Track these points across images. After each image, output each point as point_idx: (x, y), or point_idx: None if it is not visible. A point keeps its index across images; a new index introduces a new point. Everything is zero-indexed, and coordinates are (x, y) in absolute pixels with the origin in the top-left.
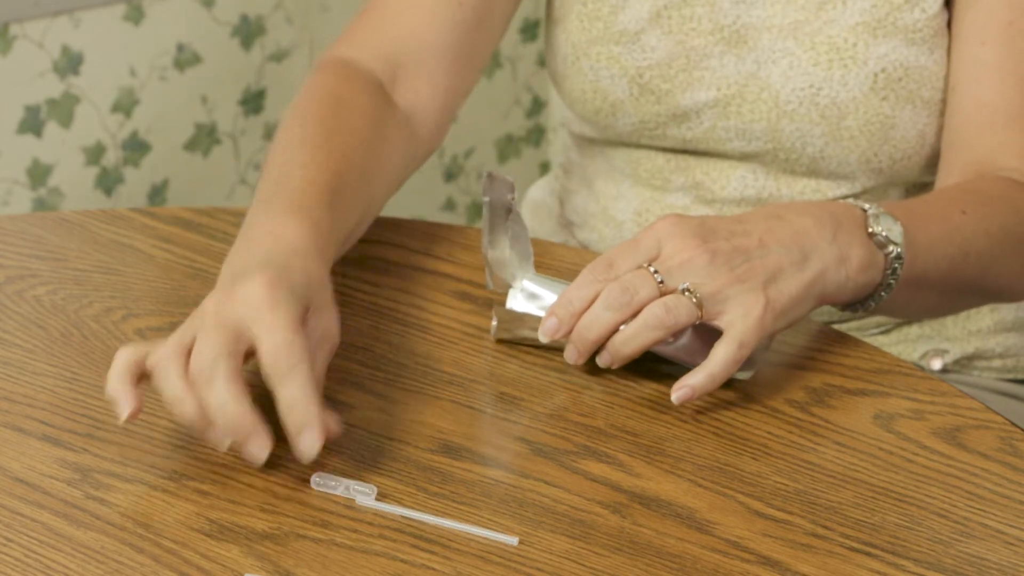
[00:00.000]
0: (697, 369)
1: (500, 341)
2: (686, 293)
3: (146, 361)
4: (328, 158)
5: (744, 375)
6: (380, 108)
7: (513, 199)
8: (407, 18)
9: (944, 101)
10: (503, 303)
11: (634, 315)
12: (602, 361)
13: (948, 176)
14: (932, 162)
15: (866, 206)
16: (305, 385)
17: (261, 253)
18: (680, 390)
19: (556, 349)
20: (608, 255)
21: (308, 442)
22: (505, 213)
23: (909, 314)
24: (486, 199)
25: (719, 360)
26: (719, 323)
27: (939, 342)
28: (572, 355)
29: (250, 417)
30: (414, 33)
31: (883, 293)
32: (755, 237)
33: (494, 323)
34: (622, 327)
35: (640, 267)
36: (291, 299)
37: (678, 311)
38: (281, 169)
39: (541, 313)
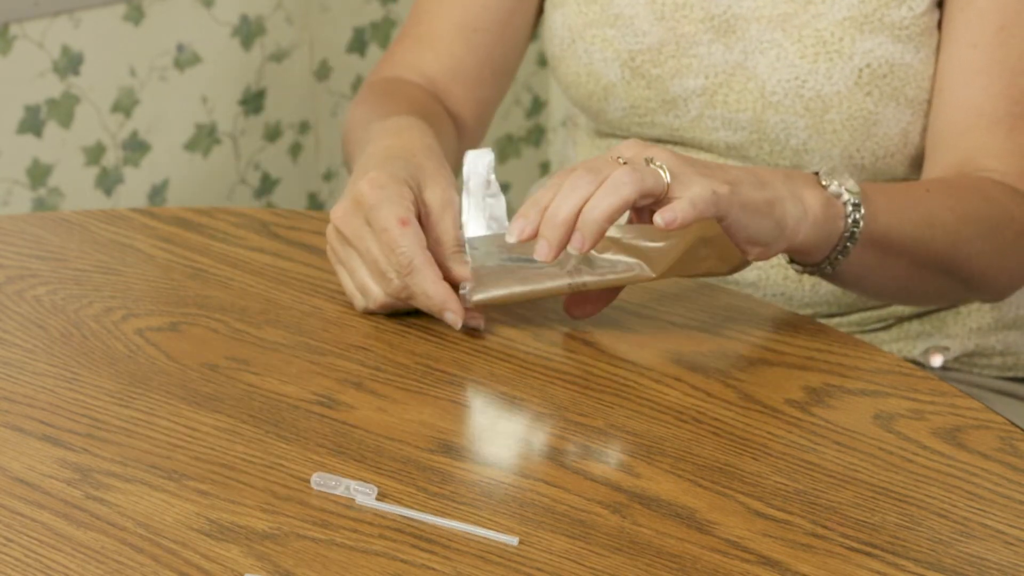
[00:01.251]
0: (679, 199)
1: (478, 300)
2: (653, 164)
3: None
4: (414, 113)
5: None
6: (433, 99)
7: (491, 168)
8: (434, 40)
9: (929, 101)
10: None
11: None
12: (574, 243)
13: (931, 176)
14: (915, 161)
15: (817, 169)
16: (423, 278)
17: (368, 156)
18: (665, 212)
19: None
20: (573, 165)
21: (450, 319)
22: (485, 186)
23: (883, 286)
24: (467, 182)
25: (696, 191)
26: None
27: (940, 339)
28: (543, 249)
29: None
30: (441, 53)
31: (848, 244)
32: (712, 162)
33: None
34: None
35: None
36: (397, 190)
37: (645, 173)
38: (373, 124)
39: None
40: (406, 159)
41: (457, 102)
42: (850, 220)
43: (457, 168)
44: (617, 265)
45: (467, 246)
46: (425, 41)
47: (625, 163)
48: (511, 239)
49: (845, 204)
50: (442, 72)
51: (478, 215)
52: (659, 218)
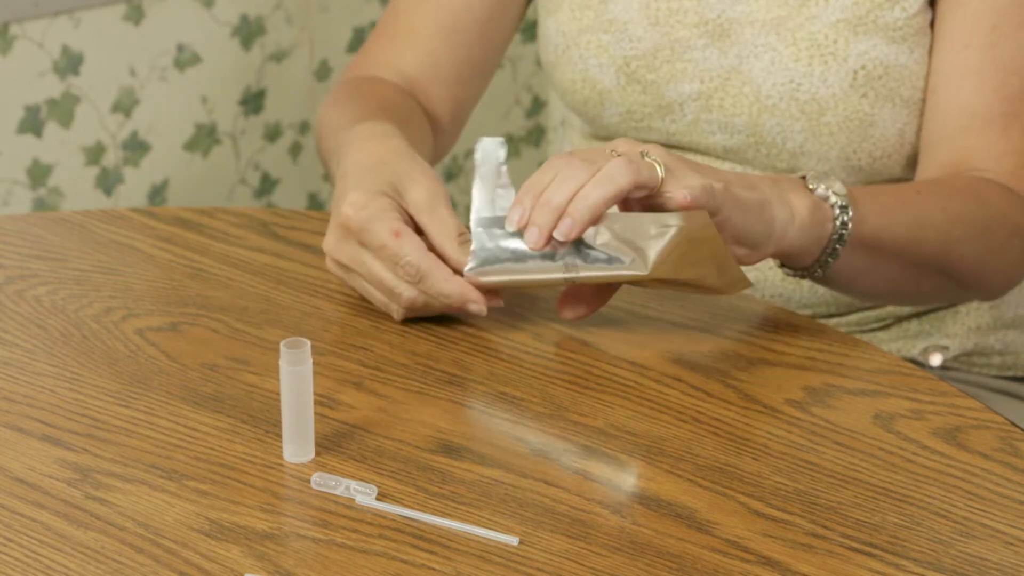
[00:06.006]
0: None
1: (477, 282)
2: (648, 158)
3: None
4: (384, 116)
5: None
6: (408, 98)
7: (503, 156)
8: (413, 37)
9: (924, 101)
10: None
11: None
12: (561, 228)
13: (924, 176)
14: (912, 161)
15: (804, 174)
16: (435, 281)
17: (343, 176)
18: (680, 190)
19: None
20: (569, 151)
21: (475, 310)
22: (496, 175)
23: (875, 288)
24: (480, 169)
25: (691, 183)
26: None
27: (939, 338)
28: (532, 235)
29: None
30: (420, 51)
31: (837, 247)
32: (703, 164)
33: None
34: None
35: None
36: (380, 205)
37: (640, 165)
38: (342, 132)
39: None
40: (379, 169)
41: (434, 101)
42: (838, 223)
43: (436, 165)
44: (611, 258)
45: (471, 227)
46: (403, 38)
47: (620, 155)
48: (510, 228)
49: (832, 207)
50: (420, 71)
51: (487, 203)
52: (677, 194)
